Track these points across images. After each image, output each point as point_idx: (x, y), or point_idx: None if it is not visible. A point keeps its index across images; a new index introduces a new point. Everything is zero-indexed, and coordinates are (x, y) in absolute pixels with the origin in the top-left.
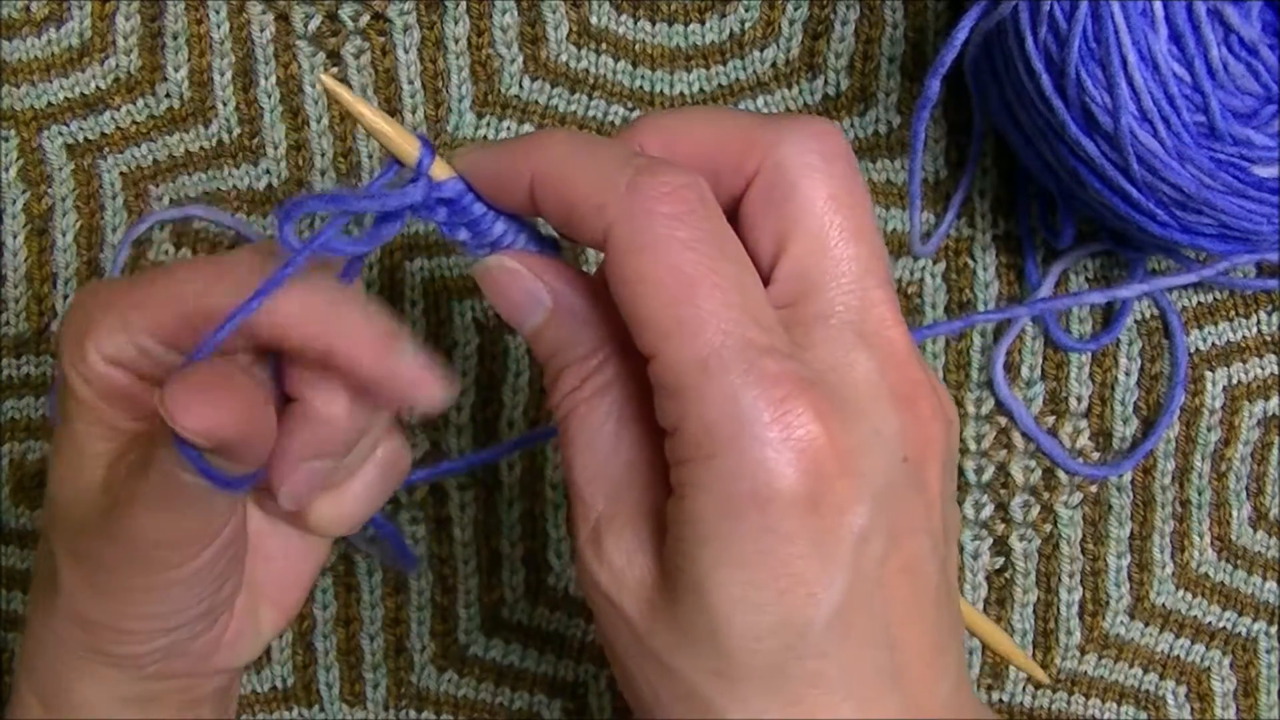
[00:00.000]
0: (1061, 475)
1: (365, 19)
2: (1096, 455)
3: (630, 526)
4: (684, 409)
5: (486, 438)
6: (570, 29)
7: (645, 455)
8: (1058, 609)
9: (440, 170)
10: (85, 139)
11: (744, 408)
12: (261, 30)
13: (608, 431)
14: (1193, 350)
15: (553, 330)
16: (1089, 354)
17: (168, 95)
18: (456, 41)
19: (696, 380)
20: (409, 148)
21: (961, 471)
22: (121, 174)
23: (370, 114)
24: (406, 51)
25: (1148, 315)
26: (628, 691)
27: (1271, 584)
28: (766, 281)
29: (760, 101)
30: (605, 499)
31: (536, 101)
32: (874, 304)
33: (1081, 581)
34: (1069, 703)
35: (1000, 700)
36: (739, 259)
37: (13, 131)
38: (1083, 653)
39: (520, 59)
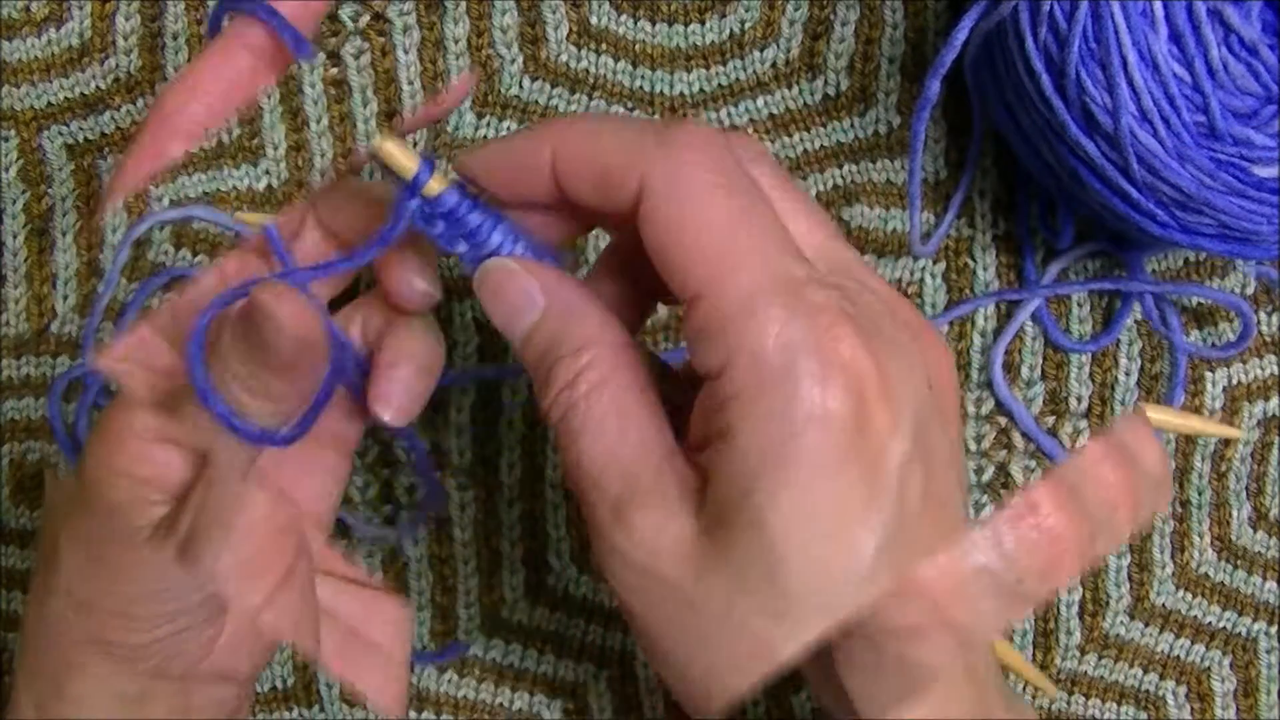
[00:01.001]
0: None
1: (365, 19)
2: None
3: (654, 497)
4: (732, 345)
5: (486, 438)
6: (570, 29)
7: (653, 434)
8: (1058, 609)
9: (436, 184)
10: (85, 139)
11: (793, 337)
12: None
13: (612, 421)
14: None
15: (547, 326)
16: (1089, 354)
17: None
18: (456, 42)
19: (744, 315)
20: (409, 164)
21: None
22: None
23: (384, 144)
24: (406, 52)
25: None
26: (670, 668)
27: (1271, 584)
28: None
29: (760, 101)
30: (621, 480)
31: (536, 101)
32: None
33: (1081, 581)
34: (1069, 703)
35: None
36: (767, 200)
37: (13, 131)
38: (1083, 653)
39: (520, 59)
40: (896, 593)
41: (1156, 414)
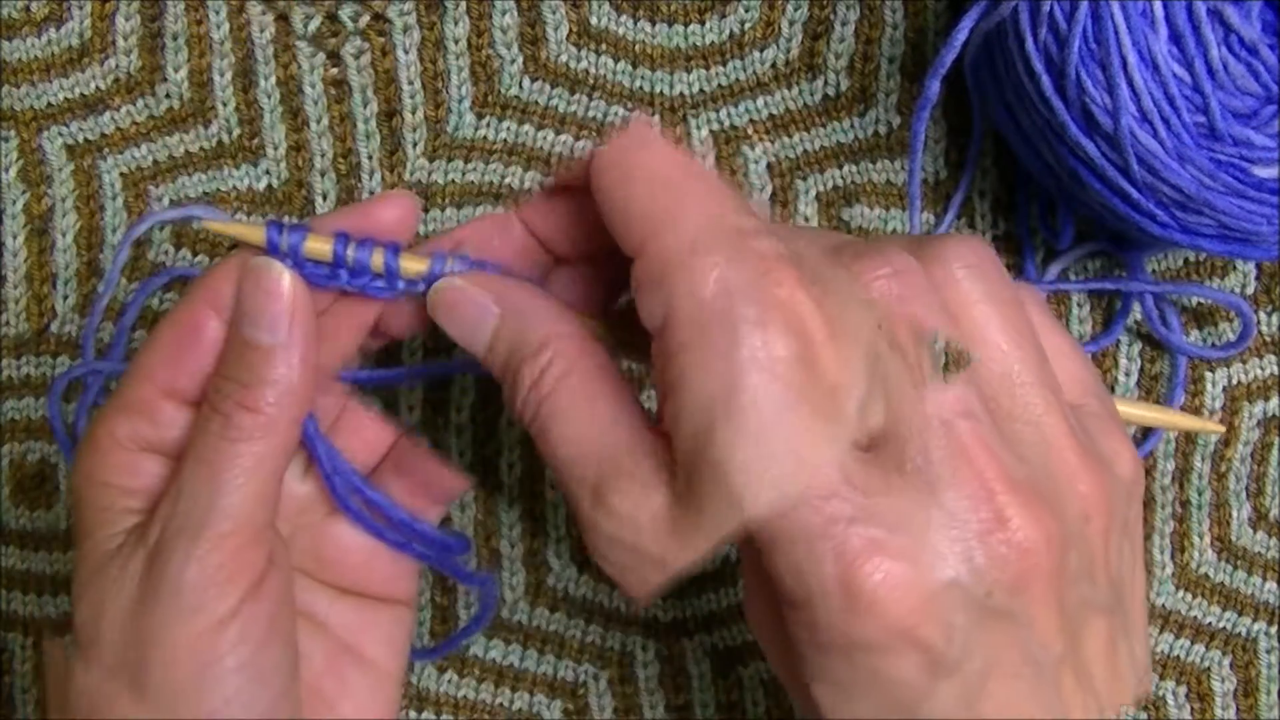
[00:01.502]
0: None
1: (365, 19)
2: None
3: (628, 475)
4: (673, 292)
5: (486, 437)
6: (570, 29)
7: (623, 413)
8: None
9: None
10: (85, 139)
11: (732, 282)
12: (261, 30)
13: (580, 407)
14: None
15: (505, 331)
16: (1089, 354)
17: (168, 95)
18: (456, 42)
19: (685, 261)
20: (324, 246)
21: None
22: (121, 174)
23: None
24: (406, 52)
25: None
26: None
27: (1271, 584)
28: None
29: (760, 101)
30: (596, 465)
31: (536, 102)
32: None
33: None
34: None
35: None
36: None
37: (13, 131)
38: None
39: (520, 59)
40: (852, 608)
41: (1127, 408)
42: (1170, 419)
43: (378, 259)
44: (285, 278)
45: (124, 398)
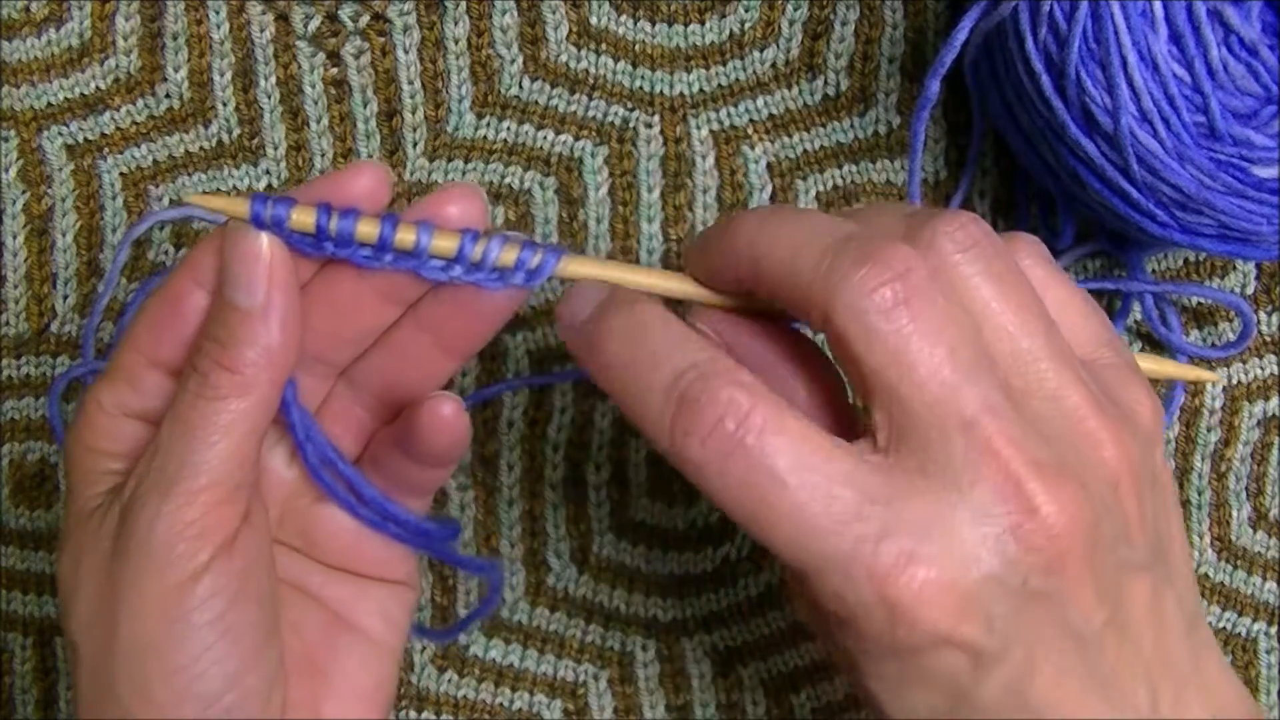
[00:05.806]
0: None
1: (365, 19)
2: None
3: None
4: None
5: (486, 437)
6: (570, 29)
7: None
8: None
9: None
10: (85, 139)
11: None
12: (261, 30)
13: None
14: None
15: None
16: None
17: (168, 95)
18: (456, 42)
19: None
20: (308, 217)
21: None
22: (121, 174)
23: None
24: (406, 52)
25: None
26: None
27: (1271, 584)
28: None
29: (760, 102)
30: None
31: (536, 101)
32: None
33: None
34: None
35: None
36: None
37: (13, 131)
38: None
39: (520, 59)
40: (893, 619)
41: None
42: (1163, 369)
43: (363, 229)
44: (263, 240)
45: (110, 366)
